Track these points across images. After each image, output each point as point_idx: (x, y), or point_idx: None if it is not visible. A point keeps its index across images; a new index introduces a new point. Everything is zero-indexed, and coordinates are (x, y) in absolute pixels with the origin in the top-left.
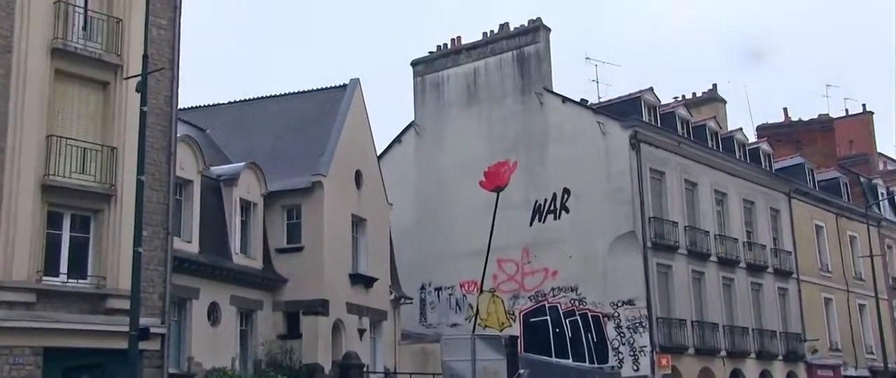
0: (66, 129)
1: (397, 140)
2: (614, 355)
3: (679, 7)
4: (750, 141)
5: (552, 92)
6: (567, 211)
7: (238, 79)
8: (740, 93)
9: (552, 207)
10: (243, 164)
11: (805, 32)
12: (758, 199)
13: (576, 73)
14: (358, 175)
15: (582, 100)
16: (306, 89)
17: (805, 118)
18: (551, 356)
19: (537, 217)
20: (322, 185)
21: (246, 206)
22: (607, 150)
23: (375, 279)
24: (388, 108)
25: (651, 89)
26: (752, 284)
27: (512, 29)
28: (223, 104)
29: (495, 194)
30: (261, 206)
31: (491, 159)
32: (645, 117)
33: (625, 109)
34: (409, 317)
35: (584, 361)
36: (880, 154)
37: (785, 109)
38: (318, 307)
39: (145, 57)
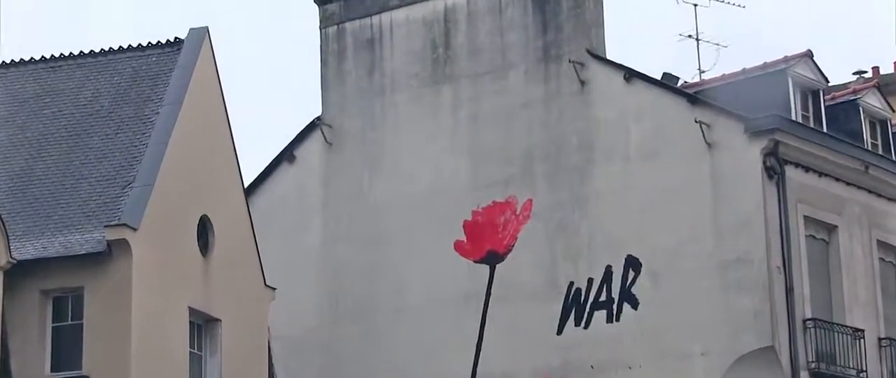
0: None
1: (286, 155)
2: None
3: None
4: None
5: (604, 59)
6: (634, 304)
7: None
8: None
9: (603, 297)
10: None
11: None
12: None
13: (651, 23)
14: (204, 227)
15: (666, 75)
16: (98, 50)
17: None
18: None
19: (574, 316)
20: (129, 249)
21: None
22: (716, 179)
23: None
24: (271, 90)
25: (809, 55)
26: None
27: None
28: None
29: (488, 268)
30: None
31: (478, 197)
32: (794, 112)
33: (753, 95)
34: None
35: None
36: None
37: None
38: None
39: None
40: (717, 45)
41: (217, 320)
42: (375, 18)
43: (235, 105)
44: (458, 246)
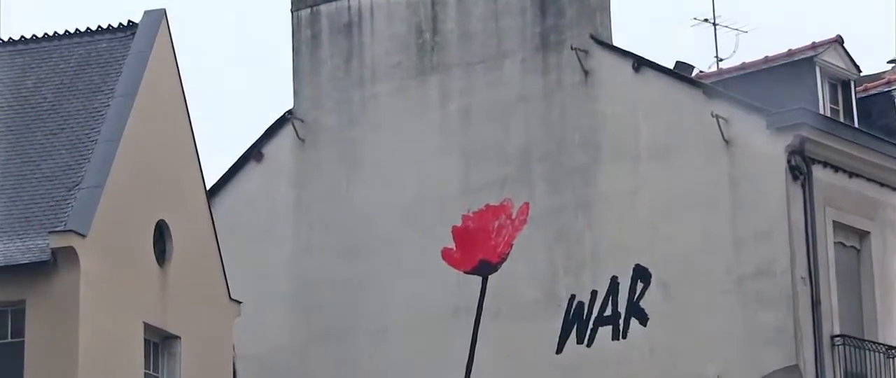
0: None
1: (253, 153)
2: None
3: None
4: None
5: (610, 46)
6: (643, 320)
7: None
8: None
9: (609, 311)
10: None
11: None
12: None
13: (663, 6)
14: (161, 233)
15: (679, 64)
16: (42, 34)
17: None
18: None
19: (576, 333)
20: (76, 258)
21: None
22: (735, 180)
23: None
24: (237, 80)
25: (838, 41)
26: None
27: None
28: None
29: (479, 280)
30: None
31: (469, 200)
32: (822, 105)
33: (776, 87)
34: None
35: None
36: None
37: None
38: None
39: None
40: (737, 30)
41: (176, 338)
42: (354, 0)
43: (196, 97)
44: (446, 255)
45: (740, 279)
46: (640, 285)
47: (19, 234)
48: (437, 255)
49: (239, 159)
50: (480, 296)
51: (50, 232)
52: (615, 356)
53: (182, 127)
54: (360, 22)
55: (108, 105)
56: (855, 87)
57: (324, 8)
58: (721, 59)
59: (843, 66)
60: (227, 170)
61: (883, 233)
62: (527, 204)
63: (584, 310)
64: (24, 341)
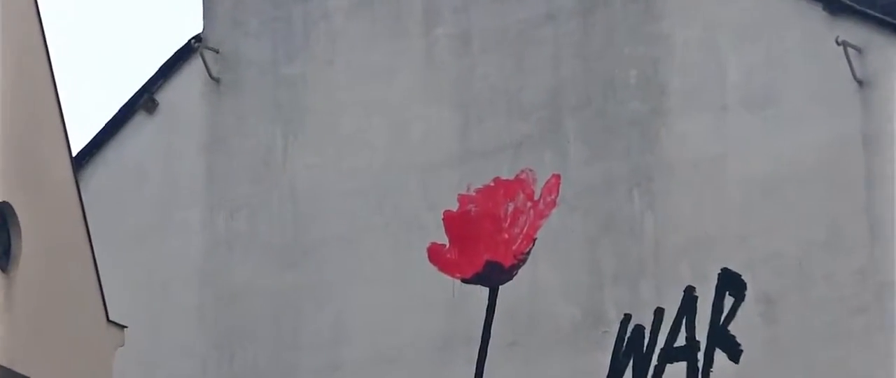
0: None
1: (143, 101)
2: None
3: None
4: None
5: None
6: (733, 353)
7: None
8: None
9: (682, 340)
10: None
11: None
12: None
13: None
14: (5, 223)
15: None
16: None
17: None
18: None
19: (632, 371)
20: None
21: None
22: (872, 140)
23: None
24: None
25: None
26: None
27: None
28: None
29: (486, 292)
30: None
31: (469, 172)
32: None
33: None
34: None
35: None
36: None
37: None
38: None
39: None
40: None
41: None
42: None
43: (59, 19)
44: (434, 254)
45: (880, 290)
46: (729, 300)
47: None
48: (422, 254)
49: (121, 110)
50: (487, 316)
51: None
52: None
53: (38, 65)
54: None
55: None
56: None
57: None
58: None
59: None
60: (103, 126)
61: None
62: (556, 177)
63: (644, 337)
64: None
